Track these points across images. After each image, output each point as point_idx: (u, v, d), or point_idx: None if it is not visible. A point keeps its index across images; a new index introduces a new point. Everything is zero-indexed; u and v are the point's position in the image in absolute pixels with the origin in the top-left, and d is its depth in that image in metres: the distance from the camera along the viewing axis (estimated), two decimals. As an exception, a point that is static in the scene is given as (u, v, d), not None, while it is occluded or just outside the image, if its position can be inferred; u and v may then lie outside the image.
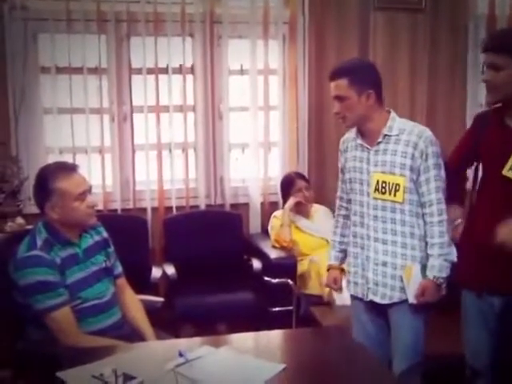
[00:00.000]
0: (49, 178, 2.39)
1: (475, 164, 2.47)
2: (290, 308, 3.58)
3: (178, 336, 3.08)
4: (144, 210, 4.06)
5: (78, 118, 3.95)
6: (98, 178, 3.98)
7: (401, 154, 2.39)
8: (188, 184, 4.14)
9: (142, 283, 2.95)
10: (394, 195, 2.40)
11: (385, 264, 2.46)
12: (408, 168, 2.39)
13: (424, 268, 2.41)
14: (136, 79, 4.03)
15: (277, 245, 3.90)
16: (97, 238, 2.56)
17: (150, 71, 3.99)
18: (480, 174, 2.43)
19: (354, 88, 2.39)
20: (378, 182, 2.43)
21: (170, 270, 3.76)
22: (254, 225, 4.28)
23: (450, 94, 4.51)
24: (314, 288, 3.66)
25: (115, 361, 2.00)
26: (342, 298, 3.26)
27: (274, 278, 3.63)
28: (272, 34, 4.19)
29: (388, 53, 4.37)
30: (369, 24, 4.33)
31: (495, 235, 2.16)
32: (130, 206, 4.08)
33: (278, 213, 4.03)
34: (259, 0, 4.12)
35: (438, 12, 4.42)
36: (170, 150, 4.11)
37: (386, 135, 2.43)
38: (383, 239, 2.46)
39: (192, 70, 4.15)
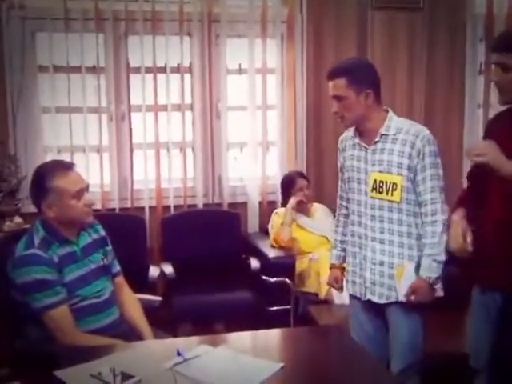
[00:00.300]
0: (45, 176, 2.39)
1: None
2: (288, 307, 3.58)
3: (175, 335, 3.07)
4: (142, 209, 4.06)
5: (76, 117, 3.95)
6: (96, 177, 3.98)
7: (398, 153, 2.39)
8: (186, 183, 4.14)
9: (139, 282, 2.95)
10: (392, 194, 2.40)
11: (382, 263, 2.47)
12: (405, 167, 2.38)
13: (418, 267, 2.41)
14: (134, 78, 4.03)
15: (275, 244, 3.90)
16: (95, 236, 2.56)
17: (148, 70, 3.99)
18: None
19: (353, 88, 2.38)
20: (375, 181, 2.43)
21: (168, 269, 3.76)
22: (252, 224, 4.28)
23: (447, 93, 4.52)
24: (311, 286, 3.67)
25: (113, 360, 2.00)
26: (341, 297, 3.26)
27: (272, 277, 3.63)
28: (270, 33, 4.19)
29: (386, 52, 4.37)
30: (367, 23, 4.34)
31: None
32: (128, 205, 4.08)
33: (280, 210, 4.03)
34: (257, -1, 4.13)
35: (435, 11, 4.43)
36: (168, 149, 4.11)
37: (383, 134, 2.43)
38: (380, 238, 2.46)
39: (190, 69, 4.15)
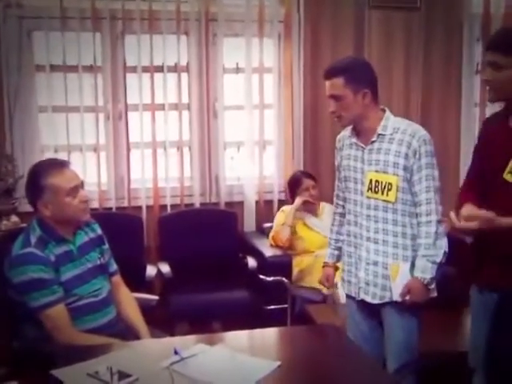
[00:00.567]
0: (40, 174, 2.39)
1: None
2: (285, 306, 3.59)
3: (173, 334, 3.08)
4: (139, 208, 4.06)
5: (73, 117, 3.94)
6: (93, 176, 3.98)
7: (394, 153, 2.39)
8: (183, 182, 4.15)
9: (136, 281, 2.95)
10: (387, 195, 2.40)
11: (376, 263, 2.47)
12: (401, 167, 2.38)
13: (413, 267, 2.41)
14: (131, 77, 4.02)
15: (273, 243, 3.90)
16: (91, 235, 2.55)
17: (145, 69, 3.99)
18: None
19: (350, 87, 2.38)
20: (371, 181, 2.43)
21: (165, 268, 3.76)
22: (249, 223, 4.29)
23: (444, 92, 4.53)
24: (313, 281, 3.63)
25: (110, 359, 2.00)
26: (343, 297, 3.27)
27: (269, 276, 3.63)
28: (267, 33, 4.20)
29: (383, 51, 4.38)
30: (364, 22, 4.34)
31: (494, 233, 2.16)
32: (125, 204, 4.08)
33: (286, 207, 4.01)
34: (254, -2, 4.12)
35: (432, 11, 4.43)
36: (165, 149, 4.11)
37: (380, 134, 2.42)
38: (375, 238, 2.46)
39: (187, 69, 4.15)
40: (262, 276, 3.67)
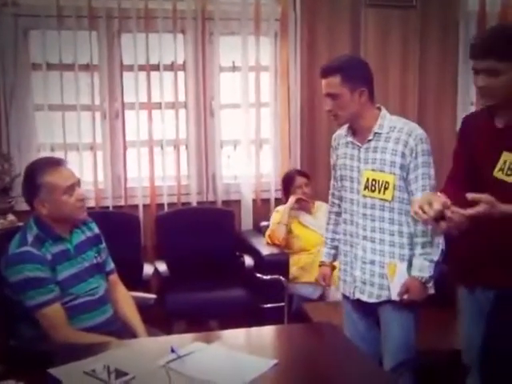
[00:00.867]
0: (36, 173, 2.39)
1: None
2: (282, 304, 3.60)
3: (170, 333, 3.08)
4: (136, 206, 4.06)
5: (69, 115, 3.94)
6: (90, 175, 3.98)
7: (391, 151, 2.39)
8: (180, 181, 4.14)
9: (133, 280, 2.94)
10: (383, 193, 2.40)
11: (373, 263, 2.47)
12: (398, 166, 2.38)
13: (410, 266, 2.42)
14: (127, 76, 4.02)
15: (270, 241, 3.91)
16: (88, 233, 2.55)
17: (141, 68, 3.99)
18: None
19: (347, 85, 2.37)
20: (367, 179, 2.43)
21: (162, 266, 3.77)
22: (246, 221, 4.29)
23: (440, 90, 4.54)
24: (313, 278, 3.63)
25: (107, 357, 2.00)
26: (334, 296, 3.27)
27: (266, 274, 3.64)
28: (263, 31, 4.20)
29: (379, 49, 4.38)
30: (360, 21, 4.35)
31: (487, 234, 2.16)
32: (122, 202, 4.08)
33: (280, 208, 4.03)
34: (251, -3, 4.12)
35: (428, 9, 4.44)
36: (162, 147, 4.11)
37: (376, 133, 2.42)
38: (371, 237, 2.46)
39: (183, 67, 4.15)
40: (258, 274, 3.68)
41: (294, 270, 3.77)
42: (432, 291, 2.47)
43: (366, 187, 2.44)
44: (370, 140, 2.44)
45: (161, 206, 4.11)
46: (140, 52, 3.97)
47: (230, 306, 3.72)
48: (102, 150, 4.06)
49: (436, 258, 2.40)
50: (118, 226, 3.68)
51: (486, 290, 2.29)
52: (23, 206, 2.70)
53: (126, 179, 4.06)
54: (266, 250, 3.83)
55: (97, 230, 2.59)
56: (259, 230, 4.17)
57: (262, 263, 3.76)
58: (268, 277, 3.62)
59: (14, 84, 3.82)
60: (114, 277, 2.65)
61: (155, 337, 2.46)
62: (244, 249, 4.03)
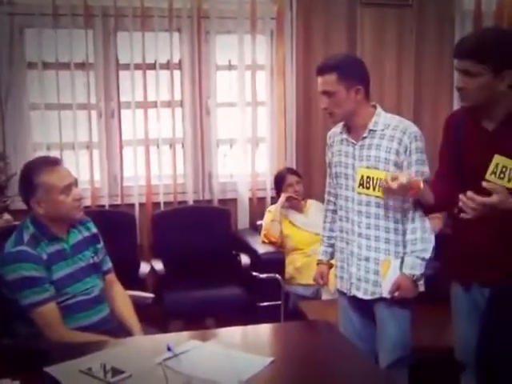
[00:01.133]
0: (33, 172, 2.39)
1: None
2: (279, 303, 3.60)
3: (166, 331, 3.07)
4: (132, 205, 4.06)
5: (65, 114, 3.93)
6: (86, 174, 3.98)
7: (385, 149, 2.40)
8: (176, 180, 4.14)
9: (130, 279, 2.94)
10: (378, 190, 2.41)
11: (368, 259, 2.48)
12: (392, 163, 2.39)
13: (402, 263, 2.42)
14: (123, 75, 4.02)
15: (265, 240, 3.91)
16: (85, 233, 2.55)
17: (137, 67, 3.99)
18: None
19: (343, 83, 2.38)
20: (362, 176, 2.44)
21: (159, 265, 3.77)
22: (242, 220, 4.29)
23: (436, 89, 4.54)
24: (309, 279, 3.63)
25: (103, 355, 2.00)
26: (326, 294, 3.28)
27: (263, 273, 3.65)
28: (260, 30, 4.20)
29: (375, 48, 4.39)
30: (356, 19, 4.35)
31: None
32: (118, 201, 4.07)
33: (272, 207, 4.05)
34: (247, -5, 4.12)
35: (424, 7, 4.45)
36: (158, 146, 4.11)
37: (371, 130, 2.43)
38: (367, 234, 2.47)
39: (179, 66, 4.15)
40: (255, 273, 3.68)
41: (290, 270, 3.77)
42: (422, 289, 2.48)
43: (360, 184, 2.45)
44: (364, 137, 2.45)
45: (157, 204, 4.11)
46: (136, 51, 3.97)
47: (226, 305, 3.73)
48: (98, 148, 4.06)
49: (427, 255, 2.41)
50: (114, 224, 3.68)
51: (481, 288, 2.30)
52: (19, 205, 2.70)
53: (122, 178, 4.06)
54: (262, 249, 3.83)
55: (94, 230, 2.59)
56: (255, 229, 4.18)
57: (258, 262, 3.77)
58: (264, 275, 3.63)
59: (10, 83, 3.82)
60: (112, 276, 2.64)
61: (151, 335, 2.45)
62: (240, 247, 4.03)
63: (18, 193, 2.49)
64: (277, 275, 3.62)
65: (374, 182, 2.41)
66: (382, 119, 2.45)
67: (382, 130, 2.42)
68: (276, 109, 4.30)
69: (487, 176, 2.16)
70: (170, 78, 4.08)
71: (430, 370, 2.73)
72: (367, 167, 2.43)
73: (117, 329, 2.46)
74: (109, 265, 2.64)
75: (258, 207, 4.24)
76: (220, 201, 4.26)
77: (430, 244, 2.41)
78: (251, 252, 3.88)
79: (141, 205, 4.08)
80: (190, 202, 4.21)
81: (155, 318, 3.03)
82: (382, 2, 4.39)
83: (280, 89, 4.28)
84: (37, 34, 3.82)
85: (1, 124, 3.85)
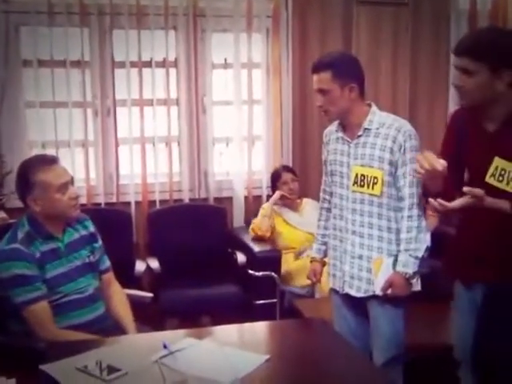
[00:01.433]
0: (29, 170, 2.39)
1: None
2: (274, 301, 3.61)
3: (162, 330, 3.07)
4: (128, 203, 4.06)
5: (60, 112, 3.92)
6: (82, 172, 3.97)
7: (380, 147, 2.41)
8: (172, 178, 4.14)
9: (126, 277, 2.94)
10: (372, 188, 2.42)
11: (361, 257, 2.48)
12: (387, 162, 2.40)
13: (396, 261, 2.43)
14: (119, 73, 4.01)
15: (252, 233, 3.92)
16: (83, 232, 2.55)
17: (133, 65, 3.98)
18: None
19: (337, 81, 2.39)
20: (357, 175, 2.45)
21: (154, 263, 3.76)
22: (238, 218, 4.29)
23: (432, 87, 4.56)
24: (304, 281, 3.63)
25: (99, 353, 2.00)
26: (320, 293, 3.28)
27: (258, 271, 3.64)
28: (255, 28, 4.20)
29: (371, 46, 4.39)
30: (352, 17, 4.35)
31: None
32: (114, 199, 4.07)
33: (265, 204, 4.05)
34: (243, -7, 4.12)
35: (420, 6, 4.46)
36: (154, 144, 4.11)
37: (366, 129, 2.44)
38: (360, 232, 2.48)
39: (175, 64, 4.14)
40: (251, 271, 3.68)
41: (282, 271, 3.77)
42: (418, 288, 2.48)
43: (355, 182, 2.46)
44: (359, 136, 2.45)
45: (153, 202, 4.11)
46: (132, 49, 3.96)
47: (222, 303, 3.73)
48: (93, 146, 4.05)
49: (421, 254, 2.41)
50: (110, 222, 3.66)
51: (480, 285, 2.30)
52: (15, 203, 2.70)
53: (117, 176, 4.06)
54: (258, 247, 3.83)
55: (92, 229, 2.59)
56: (251, 227, 4.18)
57: (254, 260, 3.77)
58: (260, 273, 3.63)
59: (5, 81, 3.81)
60: (109, 275, 2.64)
61: (147, 333, 2.46)
62: (236, 245, 4.03)
63: (15, 190, 2.49)
64: (272, 273, 3.62)
65: (369, 180, 2.42)
66: (377, 118, 2.45)
67: (377, 128, 2.43)
68: (272, 107, 4.30)
69: (487, 178, 2.16)
70: (166, 76, 4.07)
71: (425, 369, 2.74)
72: (362, 165, 2.44)
73: (112, 327, 2.46)
74: (106, 264, 2.63)
75: (253, 205, 4.24)
76: (216, 199, 4.26)
77: (425, 244, 2.42)
78: (247, 250, 3.88)
79: (137, 203, 4.07)
80: (186, 200, 4.20)
81: (151, 316, 3.03)
82: (378, 1, 4.40)
83: (276, 87, 4.28)
84: (32, 32, 3.80)
85: (-4, 122, 3.85)
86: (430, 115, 4.53)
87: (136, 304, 2.64)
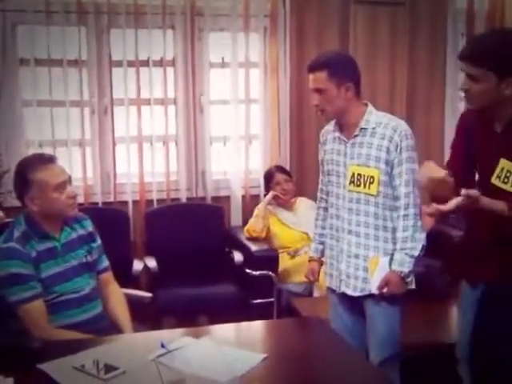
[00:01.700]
0: (27, 169, 2.39)
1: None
2: (271, 300, 3.61)
3: (160, 329, 3.07)
4: (125, 203, 4.06)
5: (58, 111, 3.92)
6: (79, 171, 3.96)
7: (376, 146, 2.41)
8: (169, 177, 4.14)
9: (123, 276, 2.94)
10: (369, 188, 2.43)
11: (357, 256, 2.49)
12: (383, 161, 2.41)
13: (391, 260, 2.44)
14: (116, 72, 4.01)
15: (247, 234, 3.92)
16: (81, 231, 2.54)
17: (130, 64, 3.98)
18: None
19: (333, 80, 2.40)
20: (353, 174, 2.46)
21: (152, 263, 3.77)
22: (236, 217, 4.29)
23: (429, 87, 4.56)
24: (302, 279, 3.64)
25: (97, 352, 2.00)
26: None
27: (256, 270, 3.65)
28: (253, 27, 4.20)
29: (368, 46, 4.39)
30: (349, 17, 4.35)
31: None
32: (111, 199, 4.07)
33: (259, 205, 4.06)
34: (240, -7, 4.13)
35: (417, 6, 4.46)
36: (151, 143, 4.11)
37: (362, 128, 2.45)
38: (356, 232, 2.49)
39: (173, 63, 4.14)
40: (248, 270, 3.69)
41: (282, 268, 3.78)
42: (412, 286, 2.49)
43: (351, 182, 2.46)
44: (356, 135, 2.46)
45: (150, 202, 4.11)
46: (129, 48, 3.96)
47: (219, 302, 3.73)
48: (91, 145, 4.05)
49: (417, 253, 2.42)
50: (107, 222, 3.63)
51: (482, 283, 2.31)
52: (12, 202, 2.70)
53: (115, 175, 4.05)
54: (255, 246, 3.83)
55: (91, 229, 2.58)
56: (248, 226, 4.18)
57: (251, 259, 3.77)
58: (257, 272, 3.64)
59: (2, 79, 3.81)
60: (108, 275, 2.63)
61: (145, 332, 2.46)
62: (233, 245, 4.03)
63: (13, 189, 2.49)
64: (270, 272, 3.63)
65: (365, 179, 2.43)
66: (374, 117, 2.46)
67: (373, 128, 2.44)
68: (269, 106, 4.30)
69: (492, 180, 2.17)
70: (164, 76, 4.08)
71: (421, 367, 2.74)
72: (358, 165, 2.45)
73: (109, 327, 2.46)
74: (105, 264, 2.62)
75: (251, 204, 4.24)
76: (213, 198, 4.26)
77: (420, 243, 2.42)
78: (244, 249, 3.88)
79: (134, 202, 4.07)
80: (183, 200, 4.20)
81: (148, 315, 3.03)
82: (375, 0, 4.40)
83: (273, 86, 4.28)
84: (29, 30, 3.80)
85: (-7, 121, 3.84)
86: (426, 115, 4.53)
87: (135, 304, 2.64)
